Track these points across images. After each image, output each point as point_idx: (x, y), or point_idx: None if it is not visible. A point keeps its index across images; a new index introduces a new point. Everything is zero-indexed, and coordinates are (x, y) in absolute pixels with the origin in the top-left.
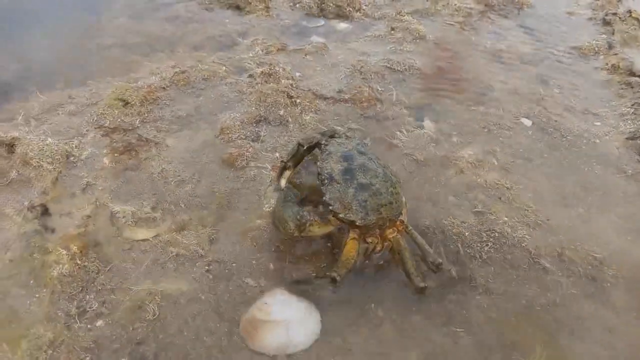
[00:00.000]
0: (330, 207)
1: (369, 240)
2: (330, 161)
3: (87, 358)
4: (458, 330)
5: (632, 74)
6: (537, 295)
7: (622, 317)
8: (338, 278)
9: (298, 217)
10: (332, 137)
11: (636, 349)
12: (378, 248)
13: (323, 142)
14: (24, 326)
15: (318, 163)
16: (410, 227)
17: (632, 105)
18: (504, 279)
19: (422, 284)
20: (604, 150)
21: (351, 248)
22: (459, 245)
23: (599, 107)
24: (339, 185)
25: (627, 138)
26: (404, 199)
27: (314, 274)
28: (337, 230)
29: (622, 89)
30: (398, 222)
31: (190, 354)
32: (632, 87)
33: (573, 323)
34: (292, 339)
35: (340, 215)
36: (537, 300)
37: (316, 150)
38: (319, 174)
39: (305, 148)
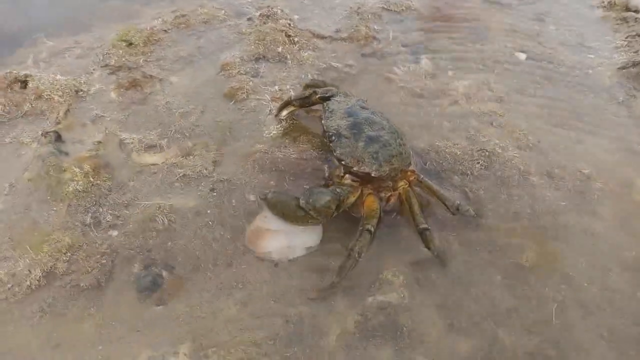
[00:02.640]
0: (343, 162)
1: (383, 194)
2: (335, 118)
3: (103, 261)
4: (450, 234)
5: (628, 9)
6: (525, 207)
7: (605, 225)
8: (372, 229)
9: (335, 197)
10: (330, 97)
11: (617, 251)
12: (392, 200)
13: (328, 96)
14: (45, 233)
15: (322, 121)
16: (422, 176)
17: (626, 38)
18: (494, 192)
19: (423, 225)
20: (596, 79)
21: (372, 202)
22: (452, 163)
23: (593, 41)
24: (347, 139)
25: (619, 68)
26: (410, 151)
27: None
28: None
29: (617, 24)
30: (409, 172)
31: (200, 258)
32: (627, 22)
33: (558, 230)
34: (293, 245)
35: (354, 169)
36: (525, 211)
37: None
38: (325, 131)
39: (318, 96)
